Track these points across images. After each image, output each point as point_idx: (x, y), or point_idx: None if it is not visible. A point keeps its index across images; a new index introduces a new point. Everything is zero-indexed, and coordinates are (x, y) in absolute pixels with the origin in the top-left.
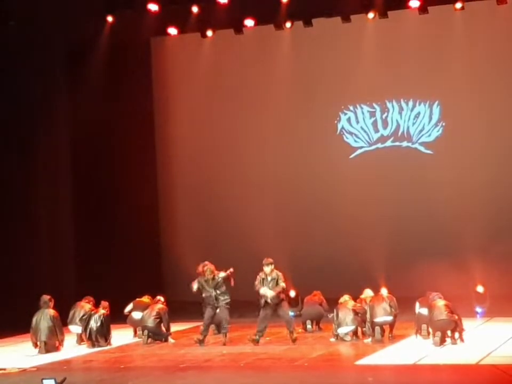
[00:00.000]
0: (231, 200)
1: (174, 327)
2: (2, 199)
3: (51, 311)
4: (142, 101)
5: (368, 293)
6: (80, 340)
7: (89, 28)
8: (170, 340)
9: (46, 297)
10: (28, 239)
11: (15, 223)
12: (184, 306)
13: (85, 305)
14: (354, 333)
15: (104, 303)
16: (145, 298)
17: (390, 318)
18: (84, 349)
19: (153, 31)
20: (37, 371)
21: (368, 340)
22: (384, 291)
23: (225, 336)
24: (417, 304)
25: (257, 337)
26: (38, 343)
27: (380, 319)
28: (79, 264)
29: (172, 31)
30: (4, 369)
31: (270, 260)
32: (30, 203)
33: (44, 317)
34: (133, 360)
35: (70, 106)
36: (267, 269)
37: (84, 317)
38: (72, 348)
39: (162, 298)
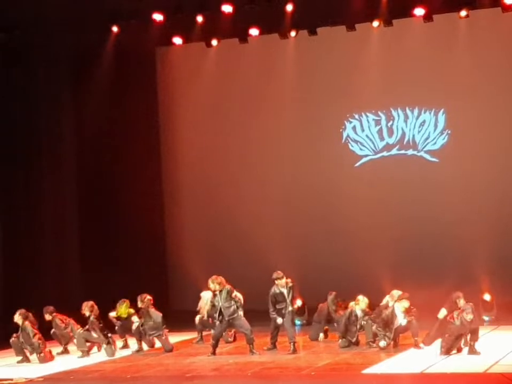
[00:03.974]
0: (237, 207)
1: (180, 337)
2: (8, 209)
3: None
4: (148, 110)
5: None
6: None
7: (94, 38)
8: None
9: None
10: (34, 248)
11: (21, 231)
12: (190, 315)
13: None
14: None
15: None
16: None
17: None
18: (90, 359)
19: (158, 40)
20: (43, 381)
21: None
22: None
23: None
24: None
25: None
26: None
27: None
28: (84, 272)
29: (177, 40)
30: (11, 379)
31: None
32: (35, 212)
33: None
34: (139, 370)
35: (75, 116)
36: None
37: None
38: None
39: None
